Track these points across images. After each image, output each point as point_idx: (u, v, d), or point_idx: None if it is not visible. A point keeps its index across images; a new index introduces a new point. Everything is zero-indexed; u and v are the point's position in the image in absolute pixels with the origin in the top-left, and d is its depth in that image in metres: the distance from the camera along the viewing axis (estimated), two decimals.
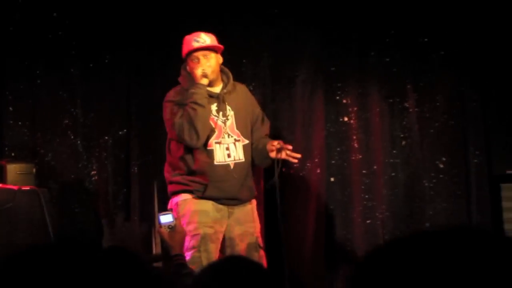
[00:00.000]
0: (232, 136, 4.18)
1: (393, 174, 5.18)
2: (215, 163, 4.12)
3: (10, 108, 4.99)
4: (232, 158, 4.15)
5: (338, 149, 5.19)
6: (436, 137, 5.18)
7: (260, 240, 4.23)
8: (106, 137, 5.06)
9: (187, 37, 4.18)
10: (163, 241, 3.21)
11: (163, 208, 4.18)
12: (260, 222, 4.35)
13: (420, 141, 5.18)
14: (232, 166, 4.14)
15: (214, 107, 4.17)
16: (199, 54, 4.13)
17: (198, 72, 4.10)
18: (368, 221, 5.14)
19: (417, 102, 5.19)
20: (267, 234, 4.61)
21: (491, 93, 5.16)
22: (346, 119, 5.20)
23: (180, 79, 4.24)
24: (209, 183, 4.10)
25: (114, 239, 4.93)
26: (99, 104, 5.08)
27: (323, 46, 5.18)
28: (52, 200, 4.57)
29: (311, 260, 5.05)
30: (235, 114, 4.21)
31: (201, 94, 4.07)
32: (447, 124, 5.18)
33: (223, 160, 4.13)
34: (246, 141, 4.22)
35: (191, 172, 4.13)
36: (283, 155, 4.11)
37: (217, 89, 4.22)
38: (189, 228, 4.02)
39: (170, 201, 4.19)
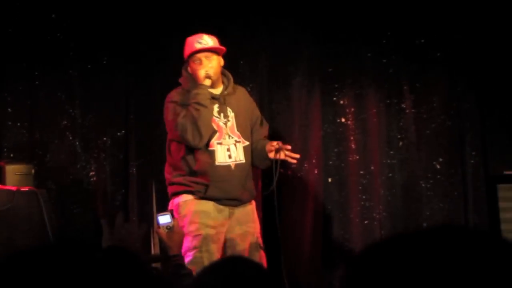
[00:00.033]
0: (232, 137, 4.18)
1: (390, 174, 5.19)
2: (217, 163, 4.12)
3: (9, 109, 4.98)
4: (233, 159, 4.15)
5: (336, 150, 5.20)
6: (433, 137, 5.19)
7: (260, 241, 4.23)
8: (105, 138, 5.06)
9: (190, 39, 4.18)
10: (161, 242, 3.21)
11: (161, 209, 4.18)
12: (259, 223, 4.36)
13: (417, 141, 5.19)
14: (233, 167, 4.14)
15: (215, 108, 4.17)
16: (201, 55, 4.13)
17: (201, 73, 4.10)
18: (365, 222, 5.15)
19: (413, 103, 5.20)
20: (265, 235, 4.61)
21: (488, 93, 5.18)
22: (343, 120, 5.21)
23: (181, 80, 4.24)
24: (211, 184, 4.09)
25: (113, 239, 4.92)
26: (98, 105, 5.07)
27: (320, 48, 5.19)
28: (51, 201, 4.56)
29: (309, 260, 5.06)
30: (235, 115, 4.22)
31: (205, 95, 4.07)
32: (443, 125, 5.19)
33: (224, 161, 4.13)
34: (247, 143, 4.22)
35: (192, 173, 4.12)
36: (282, 155, 4.12)
37: (218, 90, 4.22)
38: (190, 228, 4.02)
39: (171, 202, 4.17)
